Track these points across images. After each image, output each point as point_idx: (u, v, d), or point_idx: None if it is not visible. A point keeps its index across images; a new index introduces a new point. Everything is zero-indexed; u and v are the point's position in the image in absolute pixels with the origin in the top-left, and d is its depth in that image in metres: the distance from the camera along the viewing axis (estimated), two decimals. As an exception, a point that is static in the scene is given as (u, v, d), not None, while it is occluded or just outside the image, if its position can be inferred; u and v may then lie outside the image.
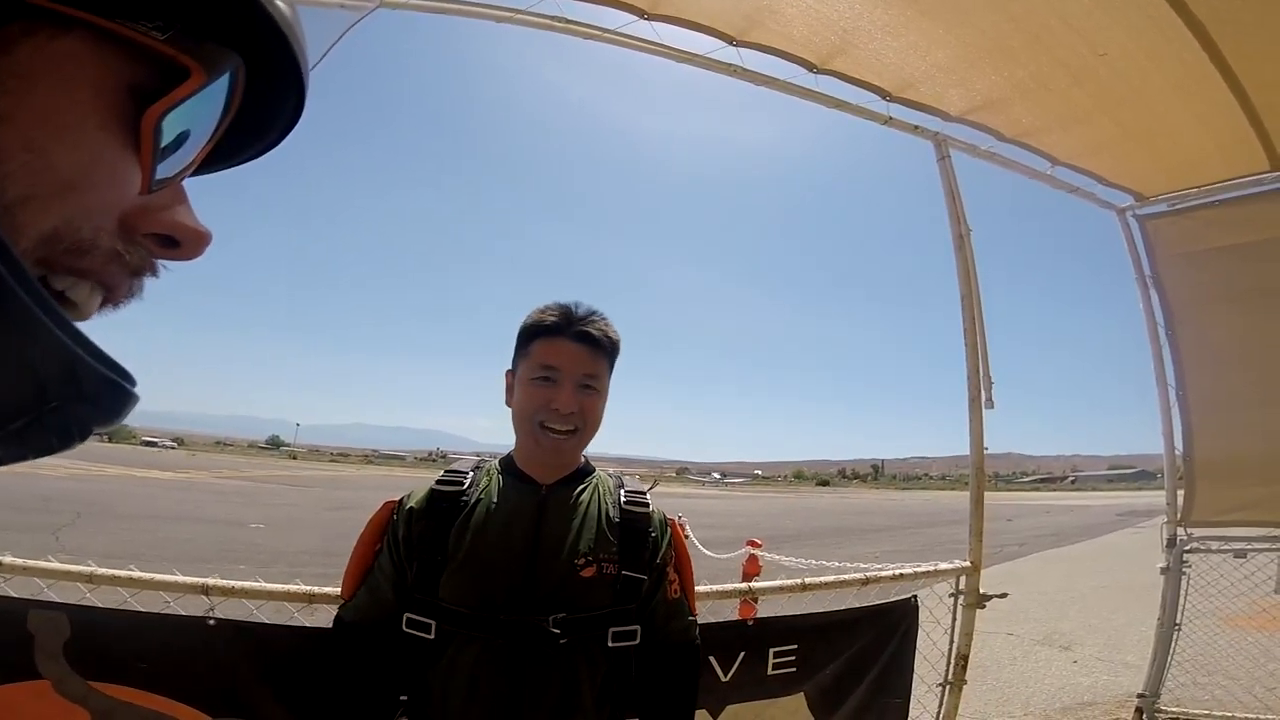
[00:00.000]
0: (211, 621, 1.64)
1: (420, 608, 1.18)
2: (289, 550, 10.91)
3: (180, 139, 0.34)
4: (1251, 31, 2.20)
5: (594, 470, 1.34)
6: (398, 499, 1.30)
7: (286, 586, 1.88)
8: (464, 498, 1.24)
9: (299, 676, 1.61)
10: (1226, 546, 3.64)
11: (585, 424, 1.24)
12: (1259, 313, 3.46)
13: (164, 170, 0.34)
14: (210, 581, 1.78)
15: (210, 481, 29.94)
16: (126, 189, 0.32)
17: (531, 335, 1.26)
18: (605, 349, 1.27)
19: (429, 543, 1.20)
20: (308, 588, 1.87)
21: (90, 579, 1.74)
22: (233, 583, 1.82)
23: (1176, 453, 3.72)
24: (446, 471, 1.31)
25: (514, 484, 1.27)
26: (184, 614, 1.69)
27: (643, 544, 1.26)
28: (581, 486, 1.29)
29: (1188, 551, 3.69)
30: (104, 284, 0.33)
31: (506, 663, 1.14)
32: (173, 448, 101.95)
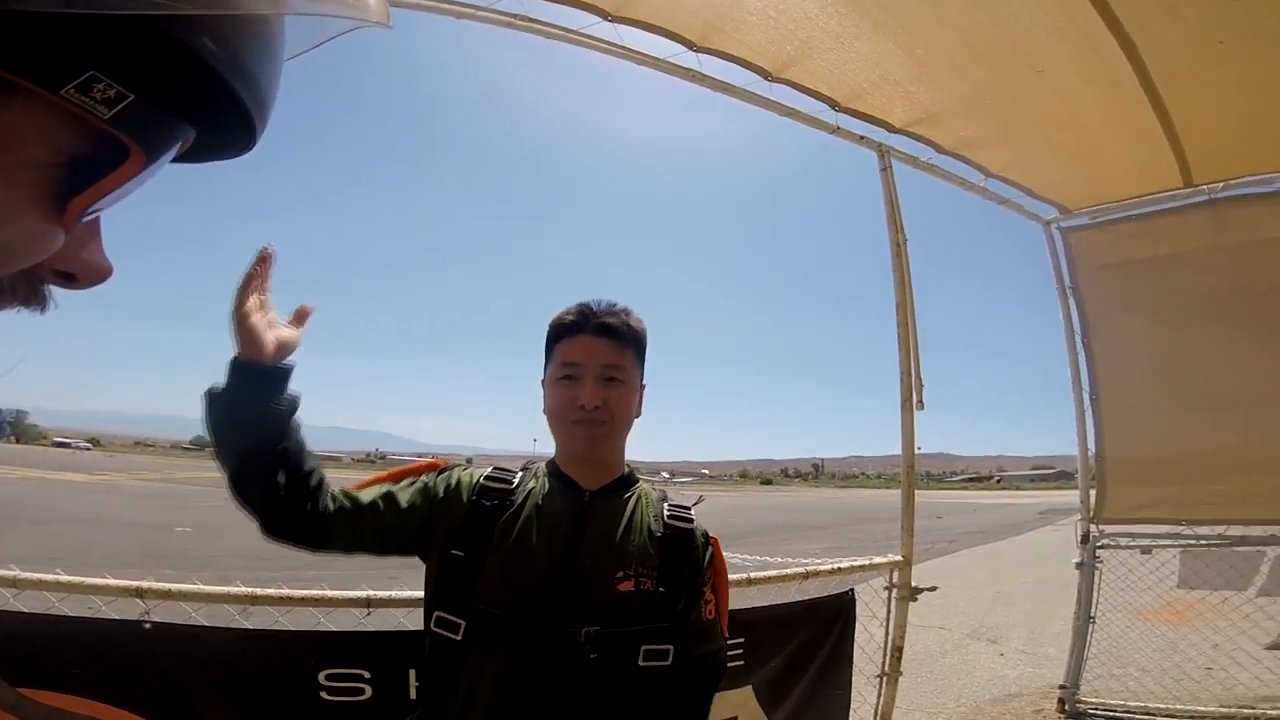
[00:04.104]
0: (147, 625, 1.57)
1: (453, 606, 1.14)
2: (219, 554, 10.42)
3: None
4: (1179, 55, 2.35)
5: (638, 481, 1.31)
6: (452, 465, 1.28)
7: (226, 588, 1.82)
8: (511, 496, 1.22)
9: (244, 679, 1.57)
10: (1134, 543, 3.85)
11: (612, 416, 1.22)
12: (1166, 323, 3.72)
13: (87, 214, 0.33)
14: (145, 584, 1.71)
15: (131, 484, 28.34)
16: (47, 251, 0.32)
17: (555, 337, 1.25)
18: (626, 339, 1.24)
19: (470, 538, 1.17)
20: (248, 589, 1.81)
21: (14, 583, 1.64)
22: (169, 585, 1.75)
23: (1090, 454, 3.96)
24: (496, 469, 1.28)
25: (559, 487, 1.24)
26: (117, 618, 1.61)
27: (684, 562, 1.23)
28: (625, 495, 1.26)
29: (1100, 548, 3.90)
30: None
31: (533, 672, 1.11)
32: (88, 449, 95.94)
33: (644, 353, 1.29)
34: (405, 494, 1.20)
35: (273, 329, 1.02)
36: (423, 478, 1.25)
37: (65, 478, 27.75)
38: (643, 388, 1.30)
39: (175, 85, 0.30)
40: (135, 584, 1.71)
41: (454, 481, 1.24)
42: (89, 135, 0.30)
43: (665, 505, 1.28)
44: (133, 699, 1.49)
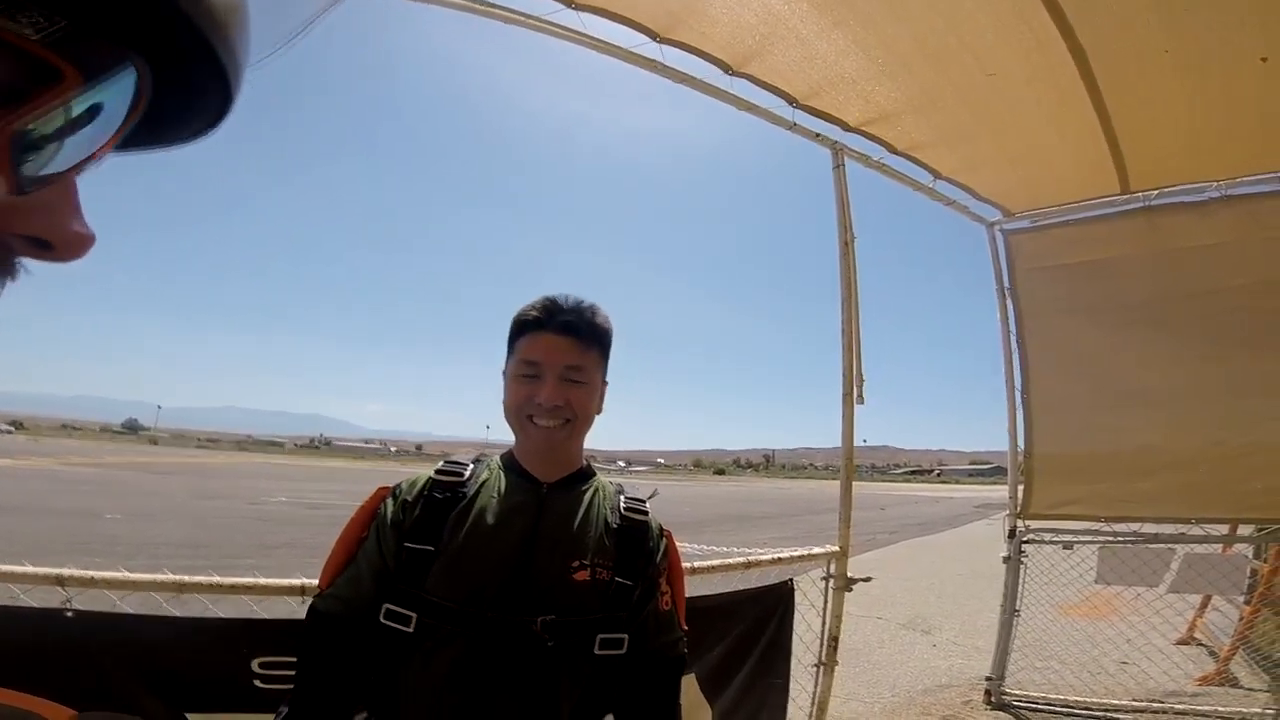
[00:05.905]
0: (70, 613, 1.51)
1: (403, 599, 1.13)
2: (151, 542, 10.02)
3: (62, 134, 0.30)
4: (1125, 63, 2.44)
5: (595, 474, 1.32)
6: (393, 485, 1.25)
7: (153, 576, 1.76)
8: (463, 489, 1.21)
9: (174, 667, 1.52)
10: (1057, 538, 4.02)
11: (575, 415, 1.21)
12: (1097, 325, 3.89)
13: (42, 168, 0.30)
14: (66, 572, 1.63)
15: (57, 469, 26.87)
16: None
17: (517, 332, 1.23)
18: (590, 339, 1.23)
19: (423, 531, 1.16)
20: (177, 577, 1.75)
21: (-76, 571, 1.55)
22: (92, 573, 1.68)
23: (1020, 450, 4.13)
24: (446, 462, 1.27)
25: (515, 480, 1.24)
26: (36, 606, 1.54)
27: (639, 553, 1.24)
28: (583, 488, 1.27)
29: (1025, 542, 4.06)
30: None
31: (486, 663, 1.10)
32: (10, 432, 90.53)
33: (608, 351, 1.29)
34: (369, 549, 1.20)
35: None
36: (374, 519, 1.22)
37: (-16, 461, 26.13)
38: (605, 384, 1.30)
39: (113, 5, 0.28)
40: (55, 571, 1.64)
41: (399, 497, 1.22)
42: (23, 59, 0.27)
43: (621, 498, 1.29)
44: (57, 687, 1.43)
